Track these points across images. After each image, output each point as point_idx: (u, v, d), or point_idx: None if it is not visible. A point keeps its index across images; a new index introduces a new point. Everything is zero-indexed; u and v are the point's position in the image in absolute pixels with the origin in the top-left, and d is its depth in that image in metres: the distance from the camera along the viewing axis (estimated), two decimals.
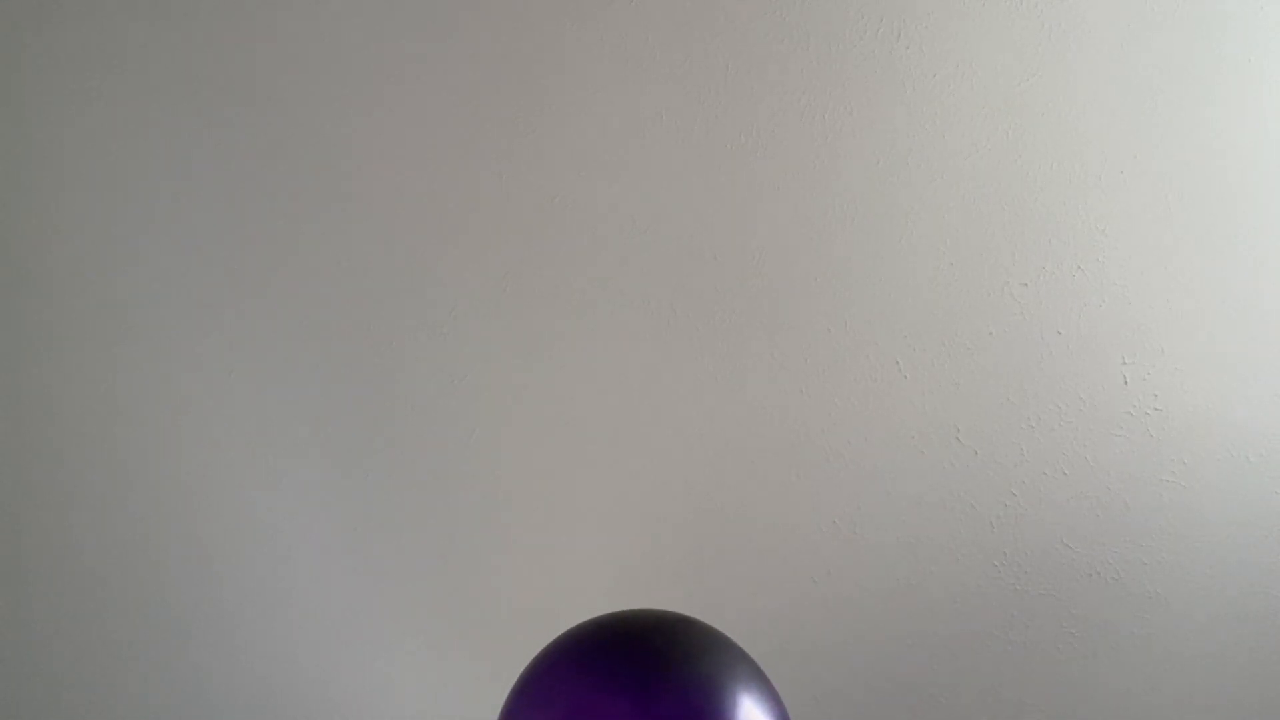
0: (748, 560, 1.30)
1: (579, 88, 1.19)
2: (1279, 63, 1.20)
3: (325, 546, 1.25)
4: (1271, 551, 1.28)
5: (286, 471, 1.24)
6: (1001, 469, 1.26)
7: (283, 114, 1.19)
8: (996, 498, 1.26)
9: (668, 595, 1.26)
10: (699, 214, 1.21)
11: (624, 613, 0.91)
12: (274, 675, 1.27)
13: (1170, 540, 1.27)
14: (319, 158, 1.19)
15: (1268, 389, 1.25)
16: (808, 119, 1.19)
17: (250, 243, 1.20)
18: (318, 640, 1.27)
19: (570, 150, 1.20)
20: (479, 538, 1.27)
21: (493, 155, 1.20)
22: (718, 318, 1.23)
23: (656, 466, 1.26)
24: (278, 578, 1.25)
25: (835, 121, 1.19)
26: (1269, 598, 1.29)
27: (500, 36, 1.18)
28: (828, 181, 1.20)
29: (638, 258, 1.22)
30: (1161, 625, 1.29)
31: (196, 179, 1.19)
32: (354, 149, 1.19)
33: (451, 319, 1.22)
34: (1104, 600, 1.29)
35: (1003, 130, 1.20)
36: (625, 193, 1.21)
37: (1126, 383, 1.24)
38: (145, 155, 1.18)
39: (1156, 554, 1.28)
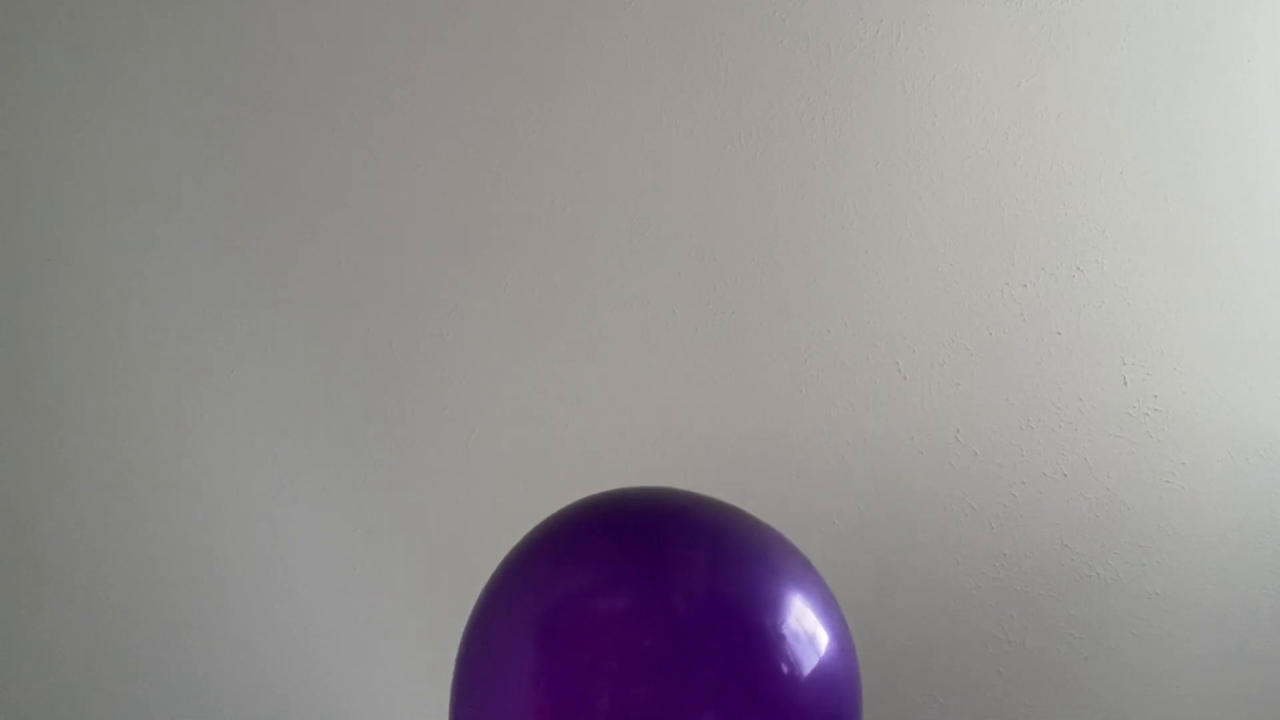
0: None
1: (579, 88, 1.19)
2: (1278, 63, 1.20)
3: (327, 549, 1.25)
4: (1272, 551, 1.28)
5: (288, 472, 1.24)
6: (1001, 469, 1.26)
7: (283, 115, 1.19)
8: (996, 498, 1.26)
9: None
10: (699, 214, 1.21)
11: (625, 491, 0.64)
12: (274, 679, 1.27)
13: (1170, 540, 1.27)
14: (319, 159, 1.19)
15: (1268, 390, 1.25)
16: (808, 119, 1.19)
17: (251, 244, 1.20)
18: (319, 643, 1.27)
19: (570, 150, 1.20)
20: (480, 539, 1.27)
21: (493, 156, 1.20)
22: (718, 318, 1.23)
23: (656, 467, 1.26)
24: (278, 579, 1.25)
25: (835, 122, 1.20)
26: (1269, 598, 1.29)
27: (501, 37, 1.18)
28: (827, 182, 1.21)
29: (638, 258, 1.22)
30: (1161, 625, 1.29)
31: (197, 181, 1.19)
32: (354, 151, 1.20)
33: (451, 320, 1.22)
34: (1104, 600, 1.28)
35: (1002, 131, 1.20)
36: (625, 193, 1.21)
37: (1126, 383, 1.24)
38: (146, 158, 1.18)
39: (1156, 554, 1.28)
